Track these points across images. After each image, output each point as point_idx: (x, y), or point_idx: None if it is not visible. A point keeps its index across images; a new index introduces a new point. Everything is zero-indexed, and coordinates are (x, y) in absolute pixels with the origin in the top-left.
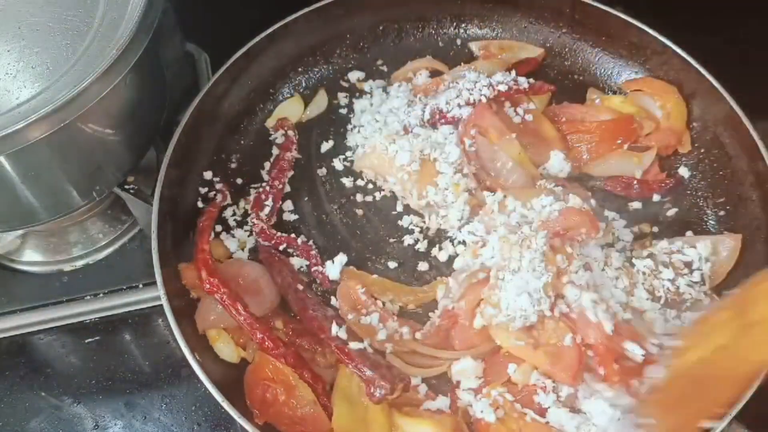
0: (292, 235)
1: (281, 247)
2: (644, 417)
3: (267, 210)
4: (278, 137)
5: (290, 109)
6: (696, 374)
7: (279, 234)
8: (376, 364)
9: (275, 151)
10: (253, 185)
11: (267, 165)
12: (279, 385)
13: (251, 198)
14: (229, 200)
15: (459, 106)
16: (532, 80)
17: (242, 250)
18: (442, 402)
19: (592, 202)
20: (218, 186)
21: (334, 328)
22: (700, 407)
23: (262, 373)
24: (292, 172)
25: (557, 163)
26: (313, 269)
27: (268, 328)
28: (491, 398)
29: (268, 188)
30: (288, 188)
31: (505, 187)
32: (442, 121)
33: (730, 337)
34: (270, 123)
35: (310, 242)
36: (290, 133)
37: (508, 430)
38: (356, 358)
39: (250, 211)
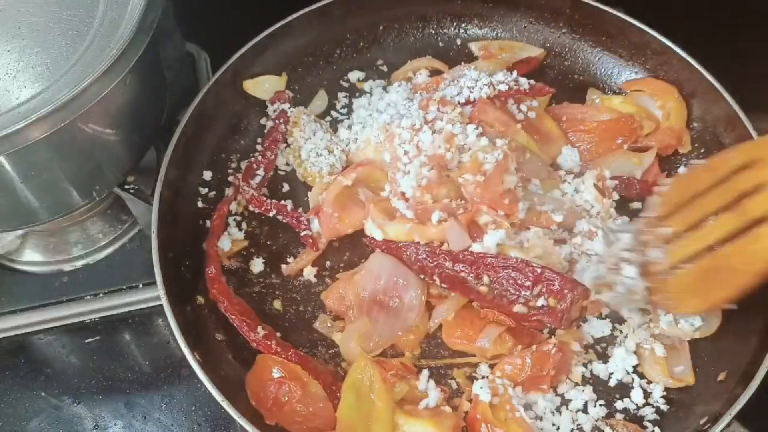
0: (282, 202)
1: (271, 214)
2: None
3: (258, 179)
4: (273, 110)
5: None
6: (706, 266)
7: (269, 200)
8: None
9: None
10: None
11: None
12: (292, 382)
13: (243, 166)
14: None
15: (459, 103)
16: (532, 81)
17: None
18: (434, 396)
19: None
20: (230, 179)
21: None
22: (715, 294)
23: (267, 375)
24: (285, 144)
25: (570, 157)
26: (302, 234)
27: (272, 333)
28: (494, 384)
29: (260, 158)
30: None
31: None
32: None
33: (730, 229)
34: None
35: (300, 209)
36: (285, 105)
37: (496, 418)
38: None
39: (241, 182)
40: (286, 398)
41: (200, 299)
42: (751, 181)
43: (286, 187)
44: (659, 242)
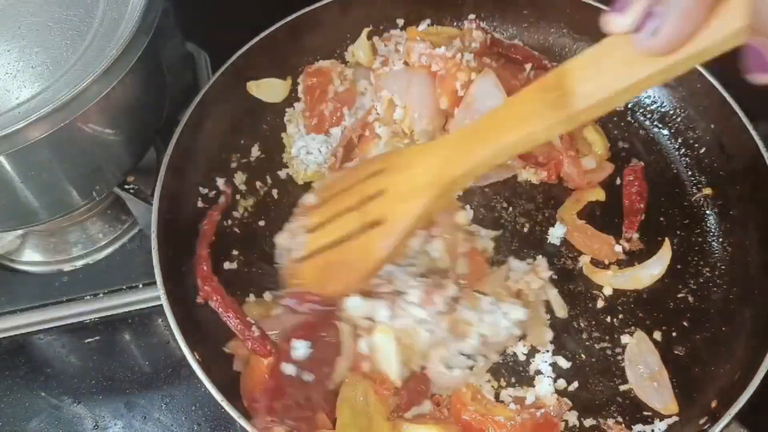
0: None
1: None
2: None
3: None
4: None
5: (271, 91)
6: (329, 259)
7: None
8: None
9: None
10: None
11: (266, 168)
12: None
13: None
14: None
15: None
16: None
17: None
18: (426, 404)
19: None
20: (221, 187)
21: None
22: (334, 285)
23: (260, 377)
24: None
25: None
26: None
27: (264, 334)
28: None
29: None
30: None
31: None
32: None
33: (353, 227)
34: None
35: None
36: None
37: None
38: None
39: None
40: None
41: (200, 299)
42: (375, 186)
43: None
44: (303, 231)
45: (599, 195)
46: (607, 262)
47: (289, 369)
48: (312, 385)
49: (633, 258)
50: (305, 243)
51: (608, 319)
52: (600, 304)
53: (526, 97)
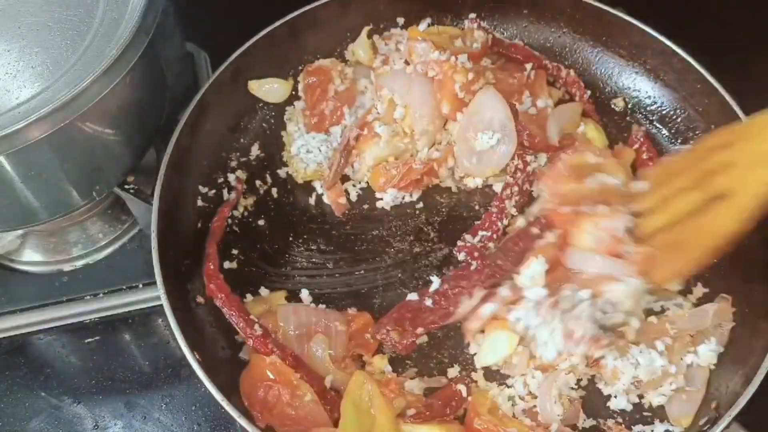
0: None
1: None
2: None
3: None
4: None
5: (273, 91)
6: (669, 239)
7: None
8: None
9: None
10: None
11: (266, 166)
12: (281, 385)
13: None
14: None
15: None
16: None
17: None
18: None
19: None
20: (232, 183)
21: None
22: (675, 266)
23: (260, 376)
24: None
25: None
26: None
27: (266, 333)
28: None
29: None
30: None
31: None
32: None
33: (693, 205)
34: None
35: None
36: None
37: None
38: None
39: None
40: (275, 401)
41: (200, 299)
42: (719, 160)
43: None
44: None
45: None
46: None
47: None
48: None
49: None
50: (638, 226)
51: None
52: None
53: None
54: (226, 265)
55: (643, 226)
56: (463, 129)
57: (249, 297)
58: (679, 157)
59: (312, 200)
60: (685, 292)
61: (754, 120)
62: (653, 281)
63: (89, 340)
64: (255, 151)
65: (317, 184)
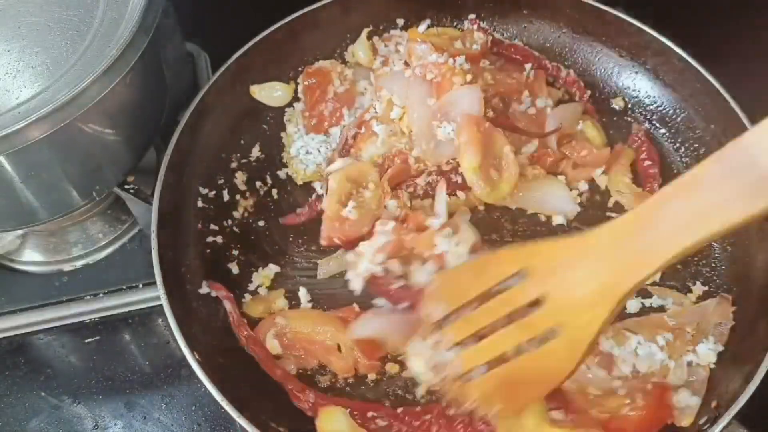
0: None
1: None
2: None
3: None
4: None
5: (275, 95)
6: (503, 376)
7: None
8: None
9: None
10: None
11: (266, 167)
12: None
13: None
14: None
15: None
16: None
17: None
18: None
19: None
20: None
21: None
22: (515, 403)
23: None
24: None
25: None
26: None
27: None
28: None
29: None
30: None
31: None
32: None
33: (517, 343)
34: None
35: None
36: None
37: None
38: None
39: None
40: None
41: (200, 300)
42: (526, 294)
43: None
44: (442, 349)
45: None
46: None
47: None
48: None
49: None
50: (457, 361)
51: None
52: None
53: (702, 177)
54: (227, 265)
55: (466, 359)
56: (432, 114)
57: (248, 297)
58: (463, 276)
59: (312, 201)
60: (685, 291)
61: (542, 247)
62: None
63: (89, 340)
64: (255, 152)
65: (317, 185)
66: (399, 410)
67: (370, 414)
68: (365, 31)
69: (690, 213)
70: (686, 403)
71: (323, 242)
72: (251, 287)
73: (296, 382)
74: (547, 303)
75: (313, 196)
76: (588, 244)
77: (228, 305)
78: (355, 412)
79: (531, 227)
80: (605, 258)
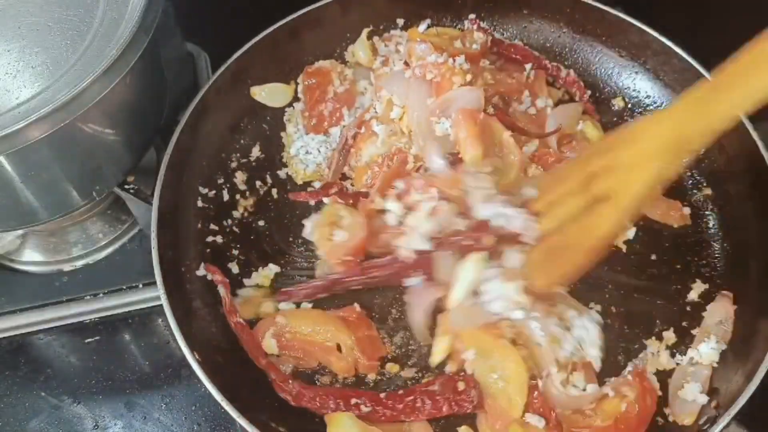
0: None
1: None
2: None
3: None
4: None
5: (275, 95)
6: (553, 244)
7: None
8: None
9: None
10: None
11: (266, 167)
12: None
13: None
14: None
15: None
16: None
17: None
18: None
19: None
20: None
21: None
22: (558, 271)
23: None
24: None
25: None
26: None
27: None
28: None
29: None
30: None
31: None
32: None
33: (577, 209)
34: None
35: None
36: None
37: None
38: None
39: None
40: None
41: (200, 300)
42: (601, 164)
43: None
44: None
45: None
46: (676, 225)
47: None
48: None
49: None
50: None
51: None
52: None
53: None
54: (227, 265)
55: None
56: (431, 110)
57: (239, 298)
58: (566, 164)
59: (312, 201)
60: (685, 290)
61: (629, 127)
62: (535, 286)
63: (89, 340)
64: (255, 152)
65: (317, 185)
66: (382, 395)
67: (353, 401)
68: (365, 31)
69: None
70: (693, 397)
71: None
72: (249, 284)
73: (279, 372)
74: (610, 171)
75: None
76: (660, 114)
77: (222, 290)
78: (339, 400)
79: None
80: (669, 119)
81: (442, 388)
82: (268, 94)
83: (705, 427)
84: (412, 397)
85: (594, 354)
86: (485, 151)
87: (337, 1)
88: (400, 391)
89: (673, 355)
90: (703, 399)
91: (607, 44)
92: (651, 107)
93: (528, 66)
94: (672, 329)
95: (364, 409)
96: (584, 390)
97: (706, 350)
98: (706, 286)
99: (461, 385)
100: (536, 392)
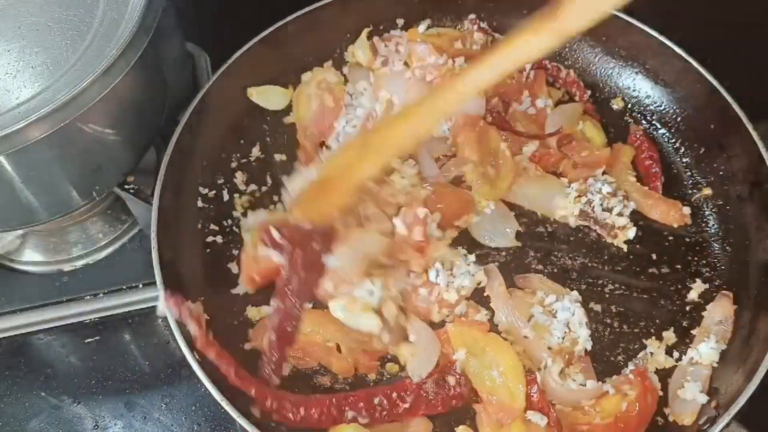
0: None
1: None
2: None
3: None
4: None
5: (273, 98)
6: (323, 182)
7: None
8: None
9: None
10: None
11: (266, 167)
12: None
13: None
14: None
15: None
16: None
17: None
18: None
19: None
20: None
21: None
22: (325, 206)
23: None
24: None
25: None
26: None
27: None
28: None
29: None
30: None
31: None
32: None
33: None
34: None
35: None
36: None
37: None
38: None
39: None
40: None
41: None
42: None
43: None
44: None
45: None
46: (676, 225)
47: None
48: None
49: None
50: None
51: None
52: None
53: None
54: (227, 265)
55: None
56: None
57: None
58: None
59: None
60: (685, 290)
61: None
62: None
63: (89, 340)
64: (255, 152)
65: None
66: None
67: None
68: (365, 31)
69: None
70: (693, 396)
71: (248, 286)
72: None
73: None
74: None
75: None
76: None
77: (193, 327)
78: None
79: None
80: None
81: (434, 386)
82: (265, 96)
83: (705, 427)
84: (408, 402)
85: (584, 333)
86: (481, 159)
87: (337, 2)
88: (394, 394)
89: (672, 355)
90: (703, 399)
91: (607, 44)
92: (651, 107)
93: (528, 66)
94: (672, 329)
95: (362, 421)
96: (584, 386)
97: (706, 350)
98: (706, 286)
99: (451, 380)
100: (535, 386)
